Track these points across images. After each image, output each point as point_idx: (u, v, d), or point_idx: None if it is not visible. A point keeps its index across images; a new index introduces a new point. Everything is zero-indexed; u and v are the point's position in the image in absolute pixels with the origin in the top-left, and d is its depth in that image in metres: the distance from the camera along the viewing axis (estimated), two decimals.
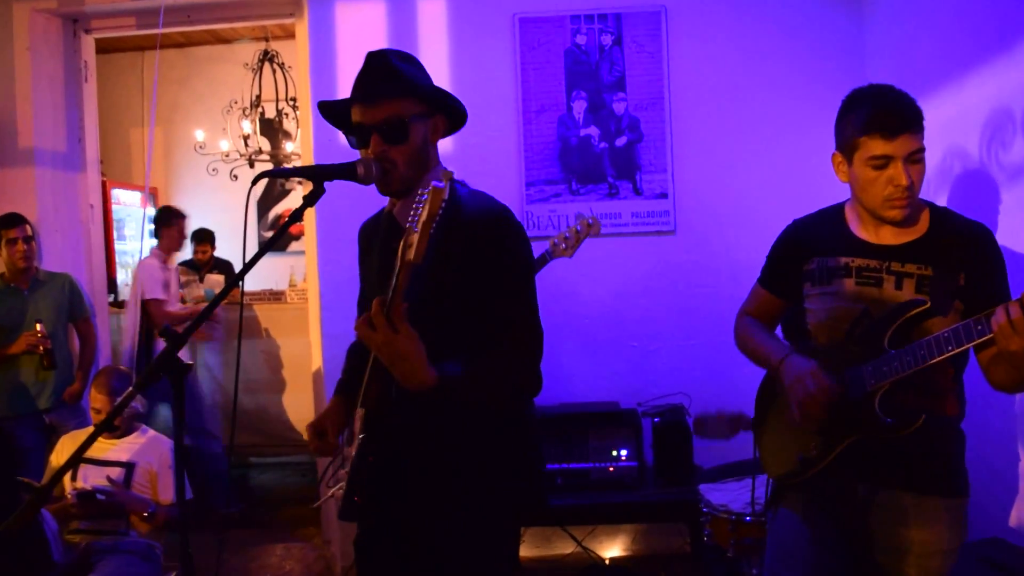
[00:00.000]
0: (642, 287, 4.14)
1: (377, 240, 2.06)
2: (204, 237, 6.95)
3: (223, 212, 6.72)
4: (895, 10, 3.78)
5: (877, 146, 1.97)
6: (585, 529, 4.06)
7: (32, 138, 4.52)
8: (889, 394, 1.98)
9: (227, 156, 6.51)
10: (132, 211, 7.64)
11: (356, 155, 1.92)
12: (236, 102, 6.52)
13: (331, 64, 4.23)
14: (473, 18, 4.16)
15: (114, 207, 7.24)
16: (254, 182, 1.68)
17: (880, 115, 1.96)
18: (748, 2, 4.12)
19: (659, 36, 4.07)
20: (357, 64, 4.26)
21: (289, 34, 5.80)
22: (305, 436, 2.12)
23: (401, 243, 1.52)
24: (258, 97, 6.34)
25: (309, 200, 1.70)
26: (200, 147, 6.55)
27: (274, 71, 6.35)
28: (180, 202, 8.08)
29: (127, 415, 3.54)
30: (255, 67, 6.38)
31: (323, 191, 1.73)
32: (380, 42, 4.19)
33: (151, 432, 3.61)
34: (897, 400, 1.98)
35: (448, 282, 1.85)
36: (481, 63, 4.16)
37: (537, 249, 3.14)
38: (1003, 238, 2.85)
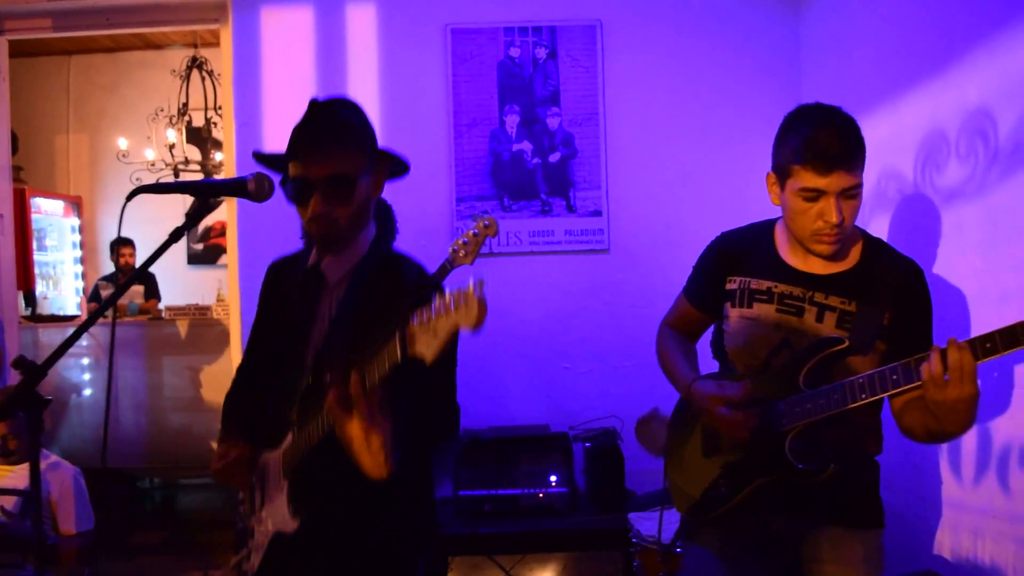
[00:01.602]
0: (575, 307, 4.04)
1: (294, 291, 1.91)
2: (127, 242, 6.72)
3: (148, 223, 6.46)
4: (833, 28, 3.76)
5: (809, 178, 1.85)
6: (514, 558, 3.93)
7: None
8: (803, 432, 1.88)
9: (152, 165, 6.28)
10: (54, 221, 7.35)
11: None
12: (162, 110, 6.29)
13: (255, 72, 4.06)
14: (404, 28, 4.04)
15: (34, 216, 6.95)
16: (130, 197, 1.54)
17: (816, 146, 1.82)
18: (685, 17, 4.06)
19: (594, 50, 3.99)
20: (282, 73, 4.08)
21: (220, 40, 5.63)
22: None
23: (397, 334, 1.39)
24: (185, 105, 6.11)
25: (193, 219, 1.56)
26: (123, 156, 6.30)
27: (203, 79, 6.13)
28: (104, 212, 7.82)
29: (23, 441, 3.33)
30: (183, 74, 6.15)
31: (210, 208, 1.59)
32: (307, 51, 4.04)
33: (53, 457, 3.40)
34: (811, 438, 1.89)
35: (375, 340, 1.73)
36: (411, 74, 4.03)
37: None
38: (938, 265, 2.81)
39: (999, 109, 2.57)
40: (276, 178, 1.76)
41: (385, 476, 1.52)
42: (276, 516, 1.84)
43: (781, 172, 1.94)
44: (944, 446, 2.83)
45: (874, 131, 3.26)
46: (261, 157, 1.84)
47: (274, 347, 1.93)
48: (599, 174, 3.99)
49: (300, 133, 1.76)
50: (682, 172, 4.03)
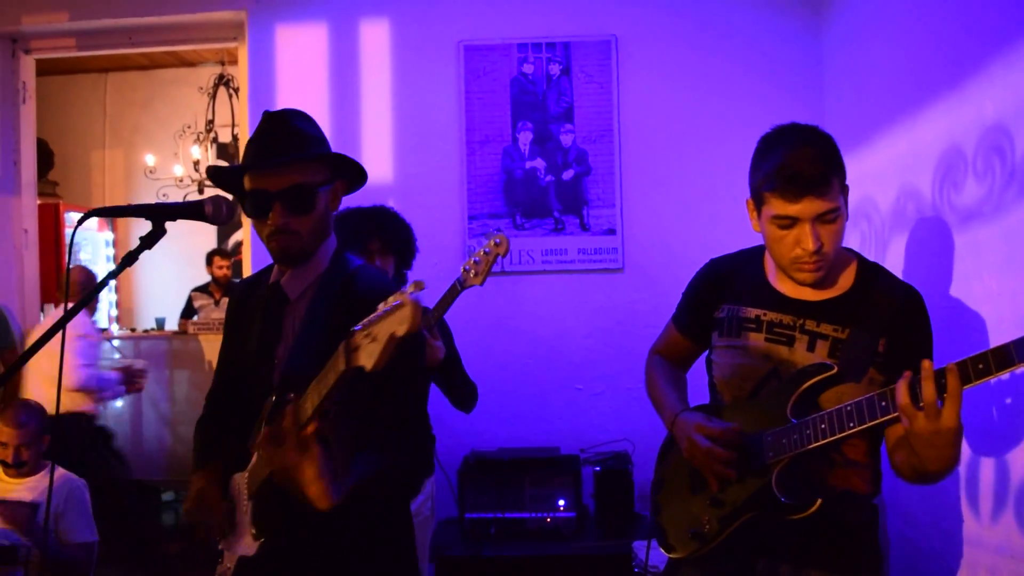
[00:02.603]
0: (588, 327, 3.96)
1: (257, 309, 1.88)
2: (222, 253, 6.75)
3: (174, 239, 6.55)
4: (854, 41, 3.65)
5: (780, 205, 1.77)
6: None
7: None
8: (791, 466, 1.78)
9: (180, 181, 6.36)
10: (89, 235, 7.47)
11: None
12: (189, 127, 6.38)
13: (270, 89, 4.08)
14: (417, 44, 4.02)
15: (67, 231, 7.06)
16: (81, 220, 1.51)
17: (784, 172, 1.75)
18: (703, 32, 3.98)
19: (609, 66, 3.93)
20: (296, 90, 4.08)
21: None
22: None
23: (343, 344, 1.34)
24: (210, 122, 6.18)
25: (146, 242, 1.53)
26: (150, 172, 6.39)
27: (230, 95, 6.20)
28: (138, 227, 7.92)
29: (34, 451, 3.35)
30: (210, 91, 6.23)
31: (164, 232, 1.56)
32: (321, 68, 4.04)
33: (60, 471, 3.42)
34: (800, 473, 1.79)
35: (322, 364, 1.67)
36: (424, 91, 4.01)
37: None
38: (955, 288, 2.69)
39: (1015, 125, 2.45)
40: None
41: (327, 507, 1.45)
42: (241, 540, 1.81)
43: (756, 199, 1.87)
44: (962, 479, 2.69)
45: (893, 148, 3.15)
46: (216, 171, 1.81)
47: (240, 368, 1.90)
48: (613, 192, 3.92)
49: (256, 144, 1.73)
50: (699, 190, 3.94)
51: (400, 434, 1.71)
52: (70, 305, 1.50)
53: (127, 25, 4.35)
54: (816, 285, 1.86)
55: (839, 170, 1.79)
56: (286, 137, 1.72)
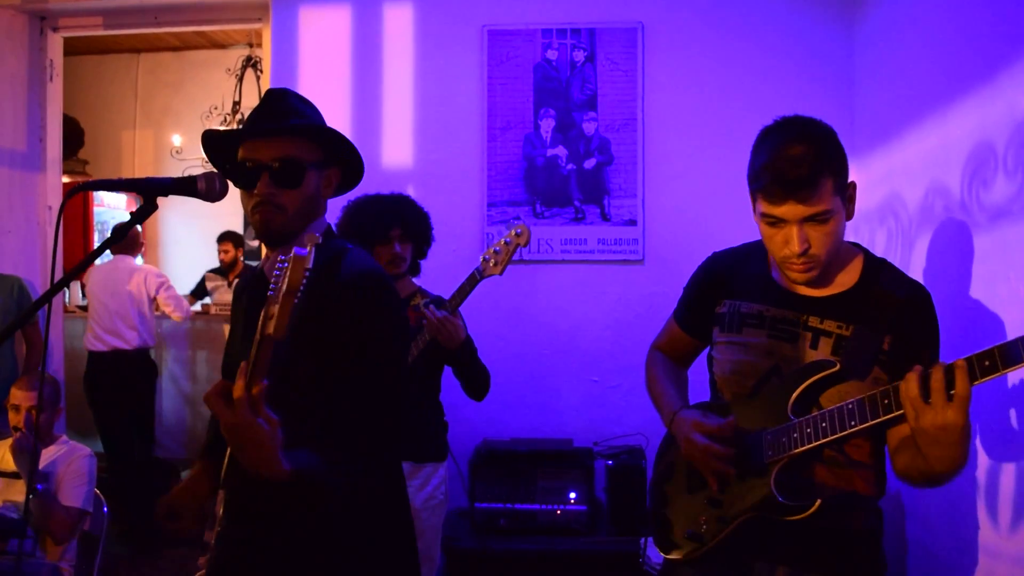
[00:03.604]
0: (606, 319, 3.91)
1: (246, 295, 1.86)
2: (224, 237, 6.77)
3: (201, 218, 6.59)
4: (886, 35, 3.55)
5: (765, 206, 1.71)
6: None
7: None
8: (791, 466, 1.72)
9: (206, 162, 6.37)
10: (117, 214, 7.54)
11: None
12: (216, 108, 6.39)
13: (293, 71, 4.06)
14: (440, 28, 3.98)
15: (96, 209, 7.13)
16: (70, 195, 1.49)
17: (768, 174, 1.67)
18: (732, 21, 3.89)
19: (634, 54, 3.85)
20: (319, 72, 4.08)
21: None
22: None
23: (262, 312, 1.32)
24: (237, 103, 6.19)
25: (137, 217, 1.50)
26: (177, 152, 6.42)
27: (257, 77, 6.21)
28: (165, 206, 7.97)
29: (47, 418, 3.37)
30: (238, 73, 6.24)
31: (155, 207, 1.53)
32: (343, 50, 4.01)
33: (71, 443, 3.46)
34: (800, 473, 1.73)
35: (303, 351, 1.63)
36: (447, 75, 3.96)
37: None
38: (979, 289, 2.61)
39: None
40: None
41: (279, 476, 1.40)
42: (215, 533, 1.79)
43: (751, 194, 1.80)
44: (981, 485, 2.61)
45: (923, 144, 3.06)
46: (211, 139, 1.78)
47: (232, 359, 1.88)
48: (636, 182, 3.85)
49: (253, 116, 1.73)
50: (723, 183, 3.85)
51: (366, 422, 1.65)
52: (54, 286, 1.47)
53: (153, 5, 4.36)
54: (813, 283, 1.79)
55: (834, 169, 1.70)
56: (284, 111, 1.71)
